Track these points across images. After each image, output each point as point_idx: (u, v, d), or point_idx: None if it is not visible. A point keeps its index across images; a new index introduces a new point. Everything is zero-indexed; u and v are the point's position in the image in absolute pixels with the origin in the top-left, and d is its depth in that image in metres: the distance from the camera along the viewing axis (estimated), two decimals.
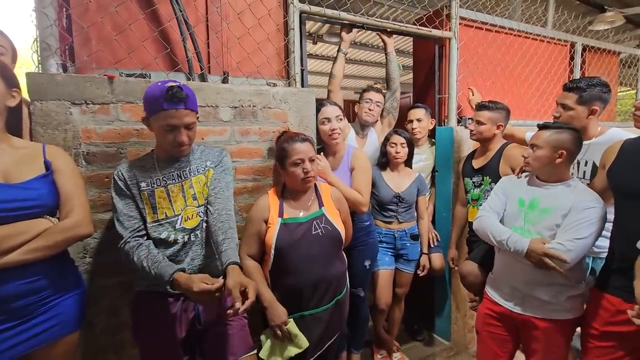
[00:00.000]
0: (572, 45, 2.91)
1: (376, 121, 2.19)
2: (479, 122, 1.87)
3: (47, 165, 1.11)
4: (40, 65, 1.34)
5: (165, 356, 1.23)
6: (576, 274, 1.33)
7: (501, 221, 1.44)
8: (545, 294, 1.32)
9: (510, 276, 1.41)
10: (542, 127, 1.40)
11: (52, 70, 1.33)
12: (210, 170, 1.31)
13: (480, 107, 1.88)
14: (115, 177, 1.21)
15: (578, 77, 1.61)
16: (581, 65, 2.97)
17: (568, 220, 1.27)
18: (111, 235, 1.29)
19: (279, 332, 1.30)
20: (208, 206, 1.26)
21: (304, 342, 1.31)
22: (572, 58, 2.91)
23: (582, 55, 2.96)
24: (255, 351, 1.30)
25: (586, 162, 1.61)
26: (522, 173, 1.51)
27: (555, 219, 1.31)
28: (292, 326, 1.30)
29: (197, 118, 1.25)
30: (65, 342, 1.15)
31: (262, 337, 1.35)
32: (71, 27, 1.42)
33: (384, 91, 2.23)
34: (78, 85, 1.32)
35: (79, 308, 1.19)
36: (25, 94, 1.27)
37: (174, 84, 1.14)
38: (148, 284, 1.23)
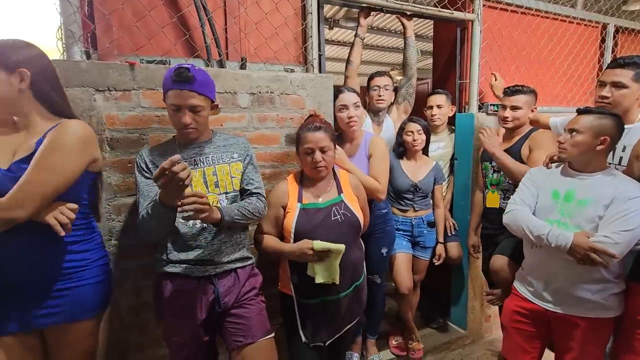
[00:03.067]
0: (604, 26, 2.75)
1: (390, 104, 2.14)
2: (514, 108, 1.80)
3: (38, 145, 1.00)
4: (65, 53, 1.37)
5: (187, 336, 1.27)
6: (618, 269, 1.26)
7: (533, 214, 1.37)
8: (588, 292, 1.25)
9: (546, 272, 1.34)
10: (583, 111, 1.32)
11: (75, 57, 1.36)
12: (238, 164, 1.33)
13: (515, 91, 1.81)
14: (138, 160, 1.25)
15: (626, 56, 1.48)
16: (613, 48, 2.81)
17: (612, 211, 1.19)
18: (134, 219, 1.32)
19: (315, 257, 1.28)
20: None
21: (339, 246, 1.28)
22: (603, 40, 2.76)
23: (614, 37, 2.80)
24: (272, 334, 1.33)
25: (624, 147, 1.48)
26: (552, 163, 1.44)
27: (596, 210, 1.23)
28: (318, 244, 1.28)
29: (214, 104, 1.26)
30: (75, 328, 1.11)
31: (309, 272, 1.34)
32: (93, 14, 1.43)
33: (399, 77, 2.17)
34: (101, 72, 1.34)
35: (93, 297, 1.13)
36: None
37: (185, 65, 1.16)
38: (169, 267, 1.26)
